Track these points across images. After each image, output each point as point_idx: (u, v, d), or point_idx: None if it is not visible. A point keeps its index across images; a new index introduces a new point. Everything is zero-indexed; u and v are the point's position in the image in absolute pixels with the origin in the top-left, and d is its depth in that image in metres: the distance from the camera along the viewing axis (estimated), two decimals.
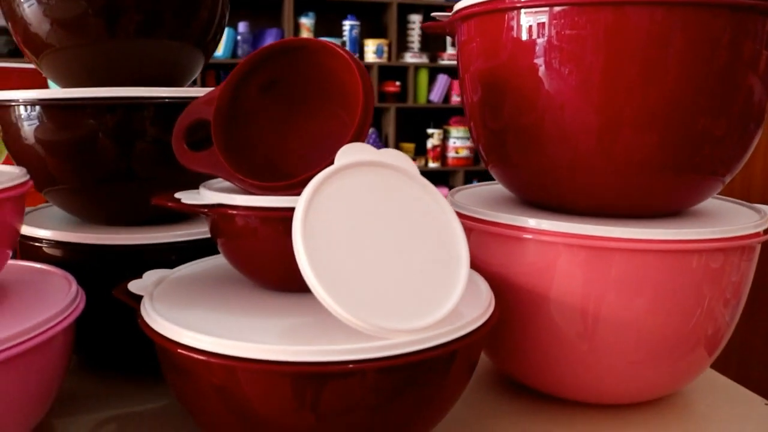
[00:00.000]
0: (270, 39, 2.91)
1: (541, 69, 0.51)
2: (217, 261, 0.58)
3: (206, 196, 0.48)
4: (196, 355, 0.39)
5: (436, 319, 0.42)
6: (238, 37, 2.86)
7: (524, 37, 0.51)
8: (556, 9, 0.49)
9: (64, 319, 0.44)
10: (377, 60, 3.03)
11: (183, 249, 0.60)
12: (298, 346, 0.38)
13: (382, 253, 0.43)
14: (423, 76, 3.15)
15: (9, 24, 0.68)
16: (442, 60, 3.17)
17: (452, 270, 0.45)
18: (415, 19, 3.10)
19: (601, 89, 0.49)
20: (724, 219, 0.56)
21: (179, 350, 0.40)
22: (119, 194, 0.61)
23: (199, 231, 0.60)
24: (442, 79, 3.17)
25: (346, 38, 3.03)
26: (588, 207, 0.54)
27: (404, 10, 3.09)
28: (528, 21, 0.51)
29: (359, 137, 0.47)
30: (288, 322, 0.44)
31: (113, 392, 0.58)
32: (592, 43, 0.48)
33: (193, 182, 0.55)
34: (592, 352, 0.52)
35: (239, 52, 2.87)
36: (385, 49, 3.05)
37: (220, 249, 0.51)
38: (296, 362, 0.37)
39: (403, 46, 3.08)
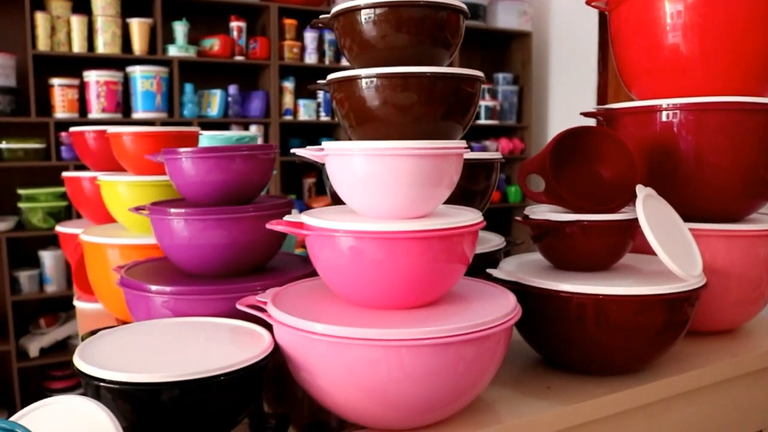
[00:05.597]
0: (256, 100, 3.24)
1: None
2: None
3: (560, 216, 0.87)
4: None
5: (699, 270, 0.84)
6: (229, 99, 3.17)
7: None
8: None
9: (505, 322, 0.70)
10: None
11: None
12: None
13: (671, 236, 0.85)
14: None
15: (342, 98, 0.99)
16: None
17: (692, 248, 0.87)
18: None
19: None
20: None
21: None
22: None
23: None
24: None
25: (321, 99, 3.43)
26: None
27: None
28: None
29: (637, 182, 0.88)
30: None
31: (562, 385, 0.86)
32: None
33: None
34: None
35: (230, 111, 3.17)
36: None
37: (556, 249, 0.90)
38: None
39: None
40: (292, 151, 0.75)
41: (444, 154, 0.70)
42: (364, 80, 0.96)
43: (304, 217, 0.73)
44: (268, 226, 0.74)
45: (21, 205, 2.85)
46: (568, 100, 3.90)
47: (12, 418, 0.59)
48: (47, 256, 2.90)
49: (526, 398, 0.81)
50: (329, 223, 0.69)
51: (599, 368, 0.87)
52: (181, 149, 0.91)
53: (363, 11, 0.96)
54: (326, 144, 0.71)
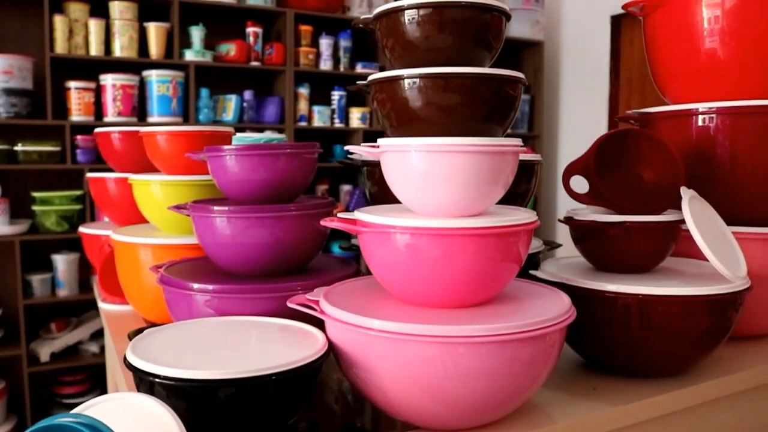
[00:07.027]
0: (271, 106, 3.24)
1: None
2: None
3: (604, 218, 0.87)
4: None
5: (744, 272, 0.84)
6: (244, 104, 3.17)
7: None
8: None
9: (562, 321, 0.70)
10: (362, 125, 3.44)
11: None
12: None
13: (715, 238, 0.85)
14: None
15: (384, 98, 0.99)
16: None
17: (735, 250, 0.87)
18: None
19: None
20: None
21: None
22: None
23: None
24: None
25: (335, 106, 3.43)
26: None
27: None
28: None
29: (681, 184, 0.88)
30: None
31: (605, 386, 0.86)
32: None
33: None
34: None
35: (245, 117, 3.17)
36: (368, 116, 3.47)
37: (599, 250, 0.90)
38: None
39: None
40: (347, 148, 0.74)
41: (502, 152, 0.70)
42: (406, 80, 0.96)
43: (359, 214, 0.72)
44: (323, 222, 0.74)
45: (35, 208, 2.85)
46: (580, 109, 3.91)
47: (75, 411, 0.58)
48: (60, 260, 2.89)
49: (575, 399, 0.80)
50: (385, 219, 0.69)
51: (643, 370, 0.86)
52: (225, 147, 0.91)
53: (407, 12, 0.96)
54: (382, 140, 0.71)
